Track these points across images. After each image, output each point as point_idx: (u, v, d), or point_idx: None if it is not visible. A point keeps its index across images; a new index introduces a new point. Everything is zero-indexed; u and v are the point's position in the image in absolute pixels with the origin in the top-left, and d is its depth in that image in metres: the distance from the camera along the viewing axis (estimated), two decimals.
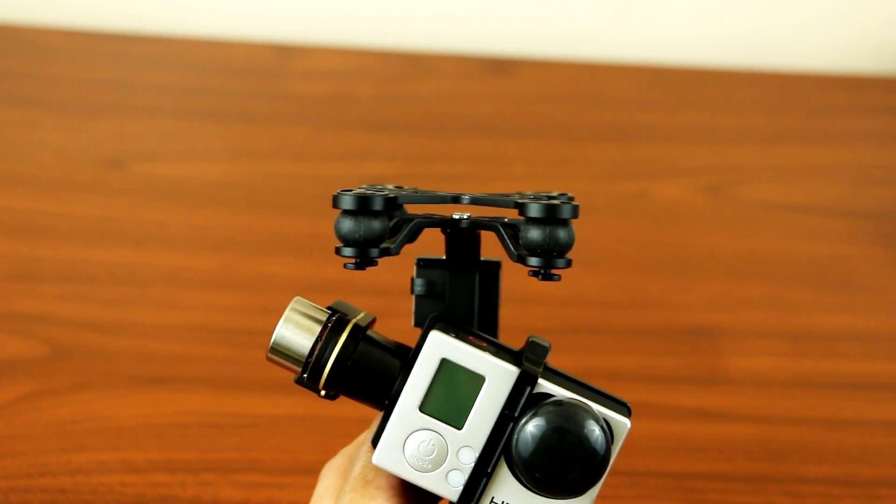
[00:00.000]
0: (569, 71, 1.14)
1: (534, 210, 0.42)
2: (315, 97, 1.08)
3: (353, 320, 0.45)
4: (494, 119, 1.06)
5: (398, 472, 0.43)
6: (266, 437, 0.72)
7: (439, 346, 0.43)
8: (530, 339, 0.44)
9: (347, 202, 0.43)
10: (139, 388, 0.75)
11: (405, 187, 0.47)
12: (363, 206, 0.43)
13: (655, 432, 0.74)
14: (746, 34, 1.18)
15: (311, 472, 0.50)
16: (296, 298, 0.45)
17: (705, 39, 1.18)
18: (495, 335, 0.46)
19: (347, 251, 0.43)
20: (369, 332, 0.45)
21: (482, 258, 0.47)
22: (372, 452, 0.45)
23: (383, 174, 0.97)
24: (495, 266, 0.47)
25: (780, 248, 0.93)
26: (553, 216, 0.42)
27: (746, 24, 1.19)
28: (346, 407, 0.52)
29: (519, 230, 0.43)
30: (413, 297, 0.47)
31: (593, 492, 0.43)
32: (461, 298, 0.46)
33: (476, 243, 0.47)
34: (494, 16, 1.18)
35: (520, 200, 0.43)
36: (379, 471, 0.45)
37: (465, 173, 0.99)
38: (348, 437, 0.50)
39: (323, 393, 0.45)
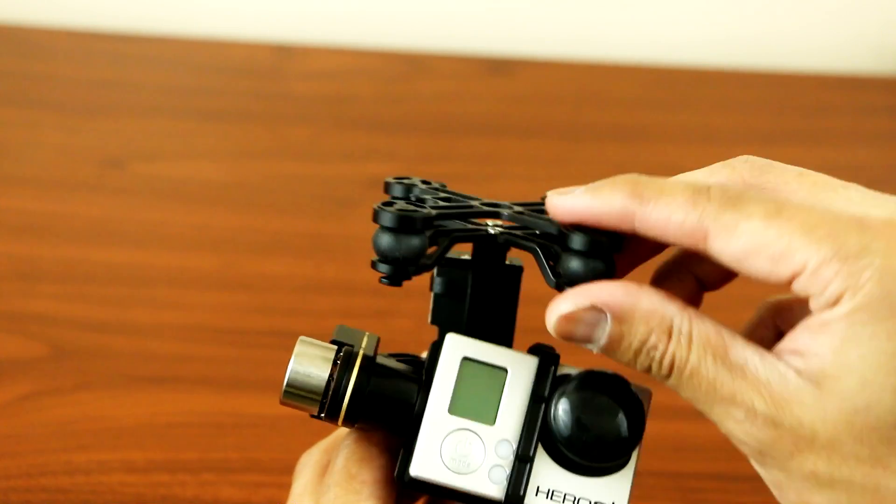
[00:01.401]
0: (569, 71, 1.14)
1: (578, 243, 0.41)
2: (315, 97, 1.08)
3: (361, 351, 0.45)
4: (494, 119, 1.06)
5: (439, 480, 0.43)
6: (266, 437, 0.72)
7: (458, 346, 0.43)
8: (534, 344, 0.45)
9: (388, 219, 0.42)
10: (139, 388, 0.75)
11: (433, 182, 0.47)
12: (405, 226, 0.42)
13: (655, 432, 0.74)
14: (746, 35, 1.18)
15: None
16: (300, 338, 0.45)
17: (705, 40, 1.18)
18: (512, 339, 0.46)
19: (384, 268, 0.42)
20: (379, 360, 0.45)
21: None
22: (356, 446, 0.45)
23: (383, 174, 0.97)
24: (518, 271, 0.46)
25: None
26: (599, 251, 0.41)
27: (746, 24, 1.19)
28: None
29: (552, 251, 0.43)
30: (431, 294, 0.47)
31: (633, 464, 0.44)
32: (482, 301, 0.46)
33: (504, 253, 0.46)
34: (494, 16, 1.18)
35: (564, 230, 0.42)
36: (363, 464, 0.45)
37: (465, 173, 0.99)
38: None
39: (341, 426, 0.45)
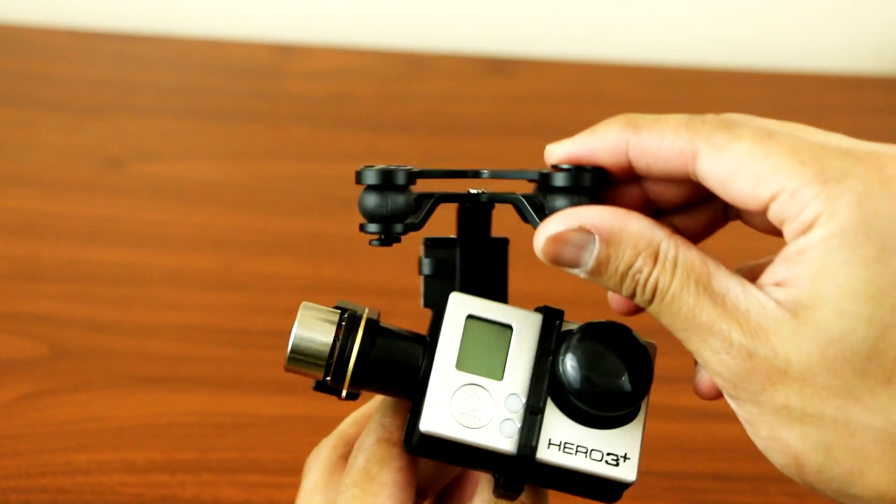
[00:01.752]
0: (569, 71, 1.14)
1: (560, 179, 0.42)
2: (315, 97, 1.08)
3: (365, 315, 0.45)
4: (494, 119, 1.06)
5: (450, 435, 0.42)
6: (266, 437, 0.72)
7: (463, 304, 0.44)
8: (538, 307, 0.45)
9: (372, 177, 0.43)
10: (139, 388, 0.75)
11: (411, 167, 0.47)
12: (388, 181, 0.43)
13: (655, 432, 0.73)
14: (747, 34, 1.18)
15: None
16: (303, 303, 0.45)
17: (705, 40, 1.18)
18: None
19: (372, 227, 0.43)
20: (382, 324, 0.45)
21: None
22: (377, 447, 0.45)
23: None
24: (503, 244, 0.47)
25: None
26: (580, 184, 0.42)
27: (746, 24, 1.19)
28: (347, 407, 0.52)
29: (536, 201, 0.43)
30: (421, 277, 0.47)
31: (642, 415, 0.44)
32: (471, 277, 0.46)
33: (488, 220, 0.47)
34: (494, 16, 1.18)
35: (544, 171, 0.43)
36: (383, 465, 0.44)
37: None
38: None
39: (345, 394, 0.45)
